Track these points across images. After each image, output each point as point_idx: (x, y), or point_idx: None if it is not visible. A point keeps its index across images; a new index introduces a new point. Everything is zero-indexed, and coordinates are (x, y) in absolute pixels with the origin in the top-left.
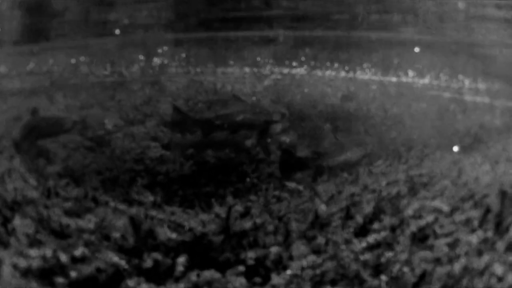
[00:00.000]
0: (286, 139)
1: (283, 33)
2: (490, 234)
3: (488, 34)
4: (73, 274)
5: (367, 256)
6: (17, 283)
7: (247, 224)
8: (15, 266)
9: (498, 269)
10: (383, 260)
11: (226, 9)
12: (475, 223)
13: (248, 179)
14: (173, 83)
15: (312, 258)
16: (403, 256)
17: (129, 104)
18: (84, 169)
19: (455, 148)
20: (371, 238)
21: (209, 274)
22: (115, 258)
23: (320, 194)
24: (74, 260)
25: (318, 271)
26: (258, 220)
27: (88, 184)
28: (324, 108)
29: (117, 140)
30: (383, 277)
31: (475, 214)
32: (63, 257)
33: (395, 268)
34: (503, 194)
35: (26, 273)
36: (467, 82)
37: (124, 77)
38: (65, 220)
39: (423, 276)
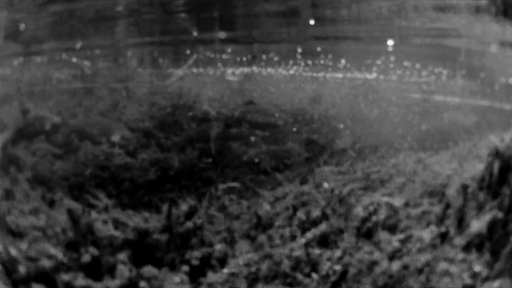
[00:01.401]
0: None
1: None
2: (449, 229)
3: None
4: (21, 268)
5: (301, 253)
6: None
7: (191, 224)
8: None
9: (452, 267)
10: (317, 258)
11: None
12: (433, 219)
13: None
14: (140, 89)
15: (249, 256)
16: (337, 254)
17: (96, 111)
18: (51, 176)
19: None
20: (311, 235)
21: (148, 270)
22: (52, 251)
23: (263, 194)
24: (26, 257)
25: (253, 269)
26: (203, 220)
27: (52, 189)
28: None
29: (83, 147)
30: (314, 275)
31: (435, 209)
32: (14, 252)
33: (326, 266)
34: (464, 188)
35: None
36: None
37: (92, 83)
38: (21, 220)
39: (344, 275)
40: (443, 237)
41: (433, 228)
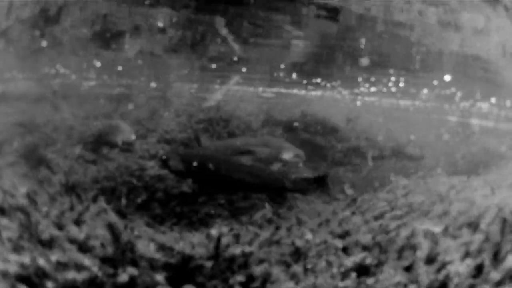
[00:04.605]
0: None
1: None
2: (485, 262)
3: None
4: (49, 282)
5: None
6: None
7: (236, 251)
8: None
9: None
10: None
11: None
12: (470, 250)
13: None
14: (178, 99)
15: (289, 285)
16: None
17: (132, 118)
18: (84, 180)
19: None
20: (350, 263)
21: None
22: (88, 265)
23: (304, 221)
24: (56, 267)
25: None
26: (246, 248)
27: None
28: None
29: (119, 156)
30: None
31: (472, 240)
32: (42, 263)
33: None
34: (503, 222)
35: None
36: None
37: (131, 89)
38: (51, 229)
39: None
40: (479, 270)
41: (468, 261)
